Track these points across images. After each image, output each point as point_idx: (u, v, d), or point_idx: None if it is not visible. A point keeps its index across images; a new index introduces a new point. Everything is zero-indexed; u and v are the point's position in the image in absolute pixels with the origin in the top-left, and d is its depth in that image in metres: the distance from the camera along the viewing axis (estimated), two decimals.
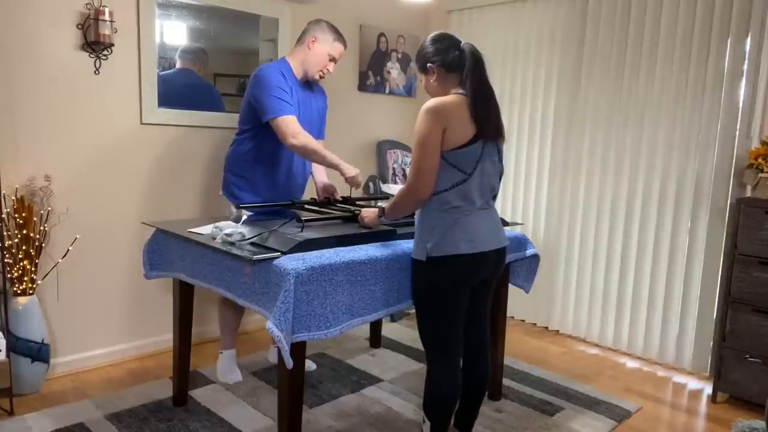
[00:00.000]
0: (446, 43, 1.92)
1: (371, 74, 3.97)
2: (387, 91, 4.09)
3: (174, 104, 3.03)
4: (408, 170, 2.68)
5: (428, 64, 1.94)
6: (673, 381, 3.08)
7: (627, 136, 3.34)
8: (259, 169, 2.65)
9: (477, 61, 1.88)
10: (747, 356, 2.70)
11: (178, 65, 3.06)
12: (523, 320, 3.94)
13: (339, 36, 2.67)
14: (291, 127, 2.46)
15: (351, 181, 2.55)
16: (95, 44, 2.69)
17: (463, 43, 1.91)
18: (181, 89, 3.08)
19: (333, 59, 2.67)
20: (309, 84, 2.74)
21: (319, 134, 2.82)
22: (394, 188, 3.34)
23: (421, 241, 1.91)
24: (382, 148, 3.99)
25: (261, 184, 2.66)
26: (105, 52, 2.76)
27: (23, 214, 2.51)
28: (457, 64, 1.90)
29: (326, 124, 2.90)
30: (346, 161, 2.56)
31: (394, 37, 4.07)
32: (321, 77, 2.70)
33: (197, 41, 3.11)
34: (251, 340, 3.40)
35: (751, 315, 2.69)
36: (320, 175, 2.88)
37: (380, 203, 2.41)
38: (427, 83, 1.98)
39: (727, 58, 2.93)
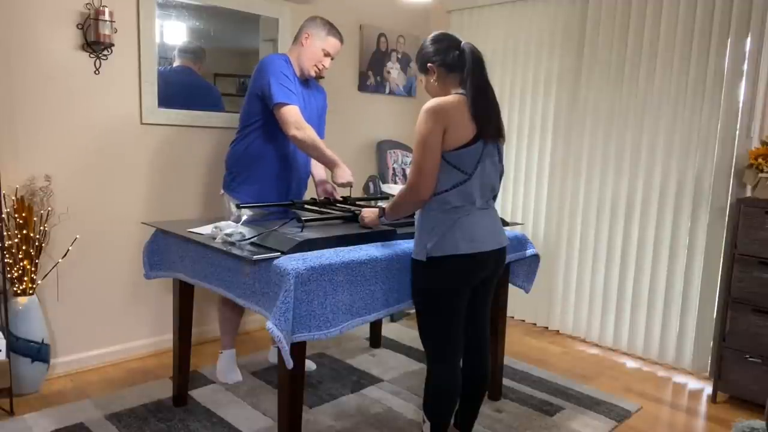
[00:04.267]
0: (446, 43, 1.92)
1: (371, 74, 3.96)
2: (387, 91, 4.09)
3: (174, 104, 3.03)
4: (408, 170, 2.68)
5: (428, 64, 1.94)
6: (673, 381, 3.08)
7: (627, 136, 3.34)
8: (259, 167, 2.64)
9: (477, 61, 1.88)
10: (747, 356, 2.70)
11: (176, 63, 3.06)
12: (523, 320, 3.94)
13: (333, 30, 2.66)
14: (295, 117, 2.47)
15: (340, 186, 2.54)
16: (95, 44, 2.69)
17: (463, 43, 1.91)
18: (181, 89, 3.08)
19: (327, 54, 2.66)
20: (307, 82, 2.74)
21: (318, 133, 2.81)
22: (394, 188, 3.34)
23: (421, 241, 1.91)
24: (382, 148, 3.99)
25: (262, 182, 2.65)
26: (105, 52, 2.76)
27: (23, 214, 2.51)
28: (457, 64, 1.90)
29: (326, 124, 2.90)
30: (346, 161, 2.55)
31: (394, 37, 4.07)
32: (317, 73, 2.69)
33: (197, 41, 3.11)
34: (251, 340, 3.40)
35: (751, 315, 2.69)
36: (320, 173, 2.88)
37: (380, 203, 2.40)
38: (428, 83, 1.98)
39: (727, 58, 2.93)
